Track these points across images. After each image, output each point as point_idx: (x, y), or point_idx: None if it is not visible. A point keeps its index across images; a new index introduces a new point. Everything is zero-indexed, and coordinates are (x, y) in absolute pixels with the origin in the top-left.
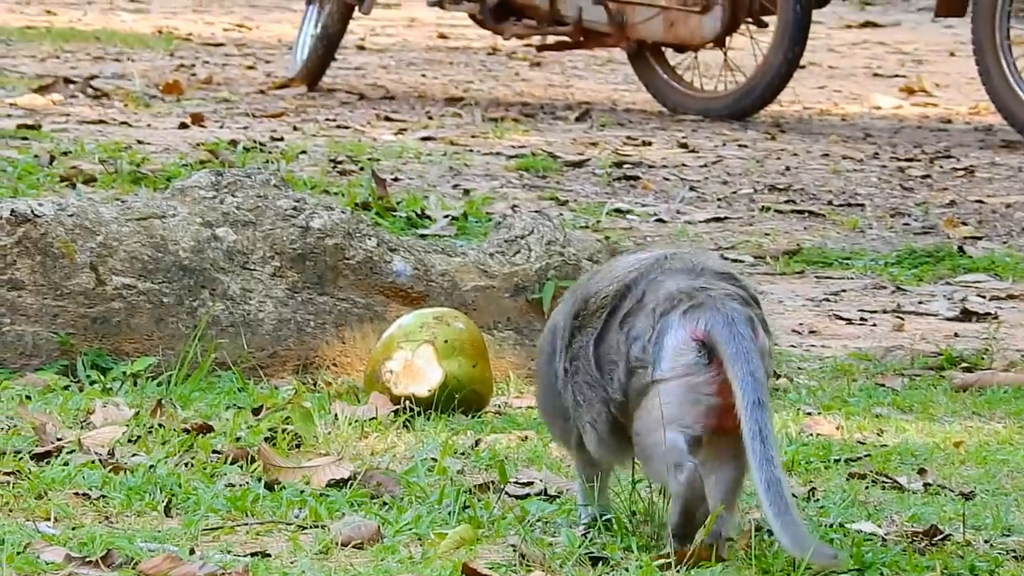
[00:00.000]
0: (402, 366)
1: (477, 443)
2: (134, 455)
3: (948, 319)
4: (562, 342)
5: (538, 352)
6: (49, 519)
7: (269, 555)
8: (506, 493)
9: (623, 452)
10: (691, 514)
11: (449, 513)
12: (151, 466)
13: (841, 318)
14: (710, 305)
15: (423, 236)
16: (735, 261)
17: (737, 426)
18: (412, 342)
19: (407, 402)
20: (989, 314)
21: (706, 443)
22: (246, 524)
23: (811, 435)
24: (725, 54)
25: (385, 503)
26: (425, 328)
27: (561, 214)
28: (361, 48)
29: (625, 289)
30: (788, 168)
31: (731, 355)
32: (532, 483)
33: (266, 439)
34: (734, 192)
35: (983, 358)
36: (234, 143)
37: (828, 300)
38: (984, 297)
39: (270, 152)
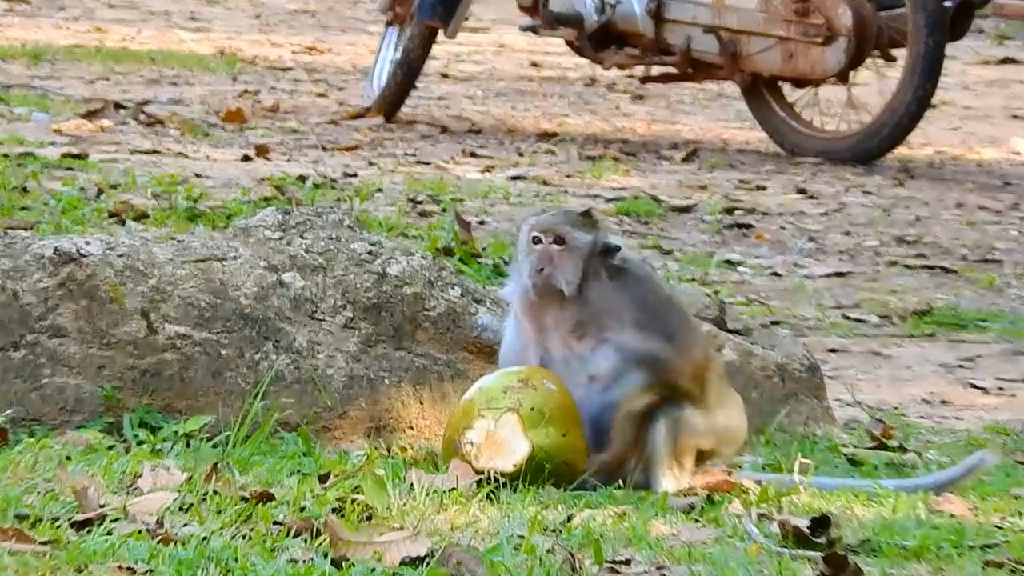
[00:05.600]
0: (484, 437)
1: (569, 519)
2: (185, 525)
3: None
4: None
5: None
6: None
7: None
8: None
9: None
10: None
11: None
12: (204, 538)
13: (976, 387)
14: None
15: None
16: (858, 321)
17: None
18: (494, 410)
19: (491, 472)
20: None
21: None
22: None
23: (942, 516)
24: (849, 90)
25: None
26: (509, 393)
27: (665, 264)
28: (445, 76)
29: None
30: (918, 218)
31: None
32: (630, 563)
33: (333, 510)
34: (858, 244)
35: None
36: (303, 179)
37: (962, 366)
38: None
39: (343, 189)
